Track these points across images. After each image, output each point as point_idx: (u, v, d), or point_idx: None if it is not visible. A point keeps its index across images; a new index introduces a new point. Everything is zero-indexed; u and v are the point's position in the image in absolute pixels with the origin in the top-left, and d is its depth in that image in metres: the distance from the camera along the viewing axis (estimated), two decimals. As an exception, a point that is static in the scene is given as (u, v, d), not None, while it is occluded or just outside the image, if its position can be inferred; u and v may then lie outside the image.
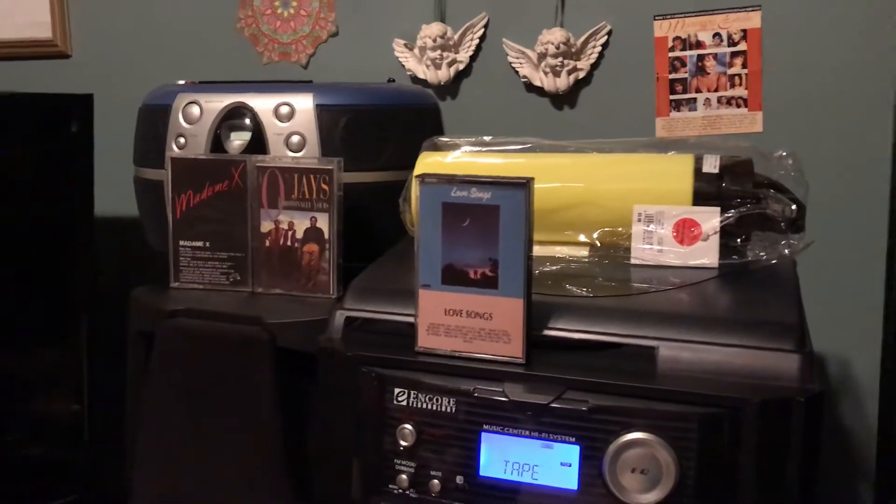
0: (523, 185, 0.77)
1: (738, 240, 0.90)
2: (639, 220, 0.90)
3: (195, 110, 1.12)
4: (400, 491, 0.81)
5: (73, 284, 1.36)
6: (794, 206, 0.90)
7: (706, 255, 0.89)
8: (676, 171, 0.93)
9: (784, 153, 0.94)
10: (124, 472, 1.13)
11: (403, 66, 1.42)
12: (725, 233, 0.89)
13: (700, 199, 0.90)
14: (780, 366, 0.74)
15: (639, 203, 0.91)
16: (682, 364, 0.76)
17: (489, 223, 0.78)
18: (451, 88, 1.41)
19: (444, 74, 1.38)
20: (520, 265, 0.78)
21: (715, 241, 0.88)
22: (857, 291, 1.28)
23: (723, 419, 0.72)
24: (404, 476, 0.81)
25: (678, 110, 1.30)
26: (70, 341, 1.37)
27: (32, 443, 1.41)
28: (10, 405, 1.39)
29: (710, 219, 0.89)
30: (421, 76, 1.40)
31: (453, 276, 0.81)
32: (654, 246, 0.90)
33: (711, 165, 0.92)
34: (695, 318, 0.79)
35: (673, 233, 0.89)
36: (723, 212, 0.89)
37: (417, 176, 0.81)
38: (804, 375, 0.73)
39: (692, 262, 0.89)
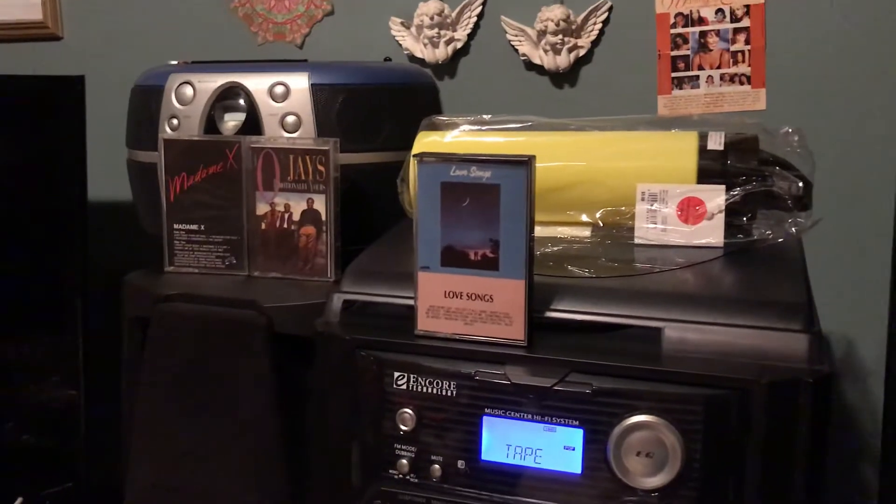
0: (524, 164, 0.75)
1: (744, 218, 0.88)
2: (642, 199, 0.88)
3: (188, 91, 1.10)
4: (400, 476, 0.80)
5: (67, 269, 1.34)
6: (800, 184, 0.88)
7: (711, 234, 0.87)
8: (680, 149, 0.91)
9: (790, 129, 0.92)
10: (120, 460, 1.12)
11: (400, 44, 1.39)
12: (731, 211, 0.87)
13: (705, 176, 0.89)
14: (788, 346, 0.73)
15: (642, 181, 0.89)
16: (688, 345, 0.74)
17: (489, 203, 0.77)
18: (448, 67, 1.38)
19: (441, 53, 1.35)
20: (521, 246, 0.76)
21: (720, 219, 0.87)
22: (864, 270, 1.26)
23: (730, 401, 0.71)
24: (405, 461, 0.79)
25: (680, 88, 1.28)
26: (65, 328, 1.35)
27: (27, 431, 1.40)
28: (6, 393, 1.38)
29: (716, 197, 0.87)
30: (418, 55, 1.37)
31: (453, 258, 0.79)
32: (658, 225, 0.88)
33: (716, 142, 0.90)
34: (700, 298, 0.78)
35: (677, 211, 0.88)
36: (728, 190, 0.87)
37: (415, 155, 0.79)
38: (812, 356, 0.72)
39: (697, 242, 0.87)
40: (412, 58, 1.39)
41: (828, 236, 1.22)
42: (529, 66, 1.34)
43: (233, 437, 0.97)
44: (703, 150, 0.90)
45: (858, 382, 1.28)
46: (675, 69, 1.28)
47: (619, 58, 1.31)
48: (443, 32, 1.35)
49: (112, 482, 1.22)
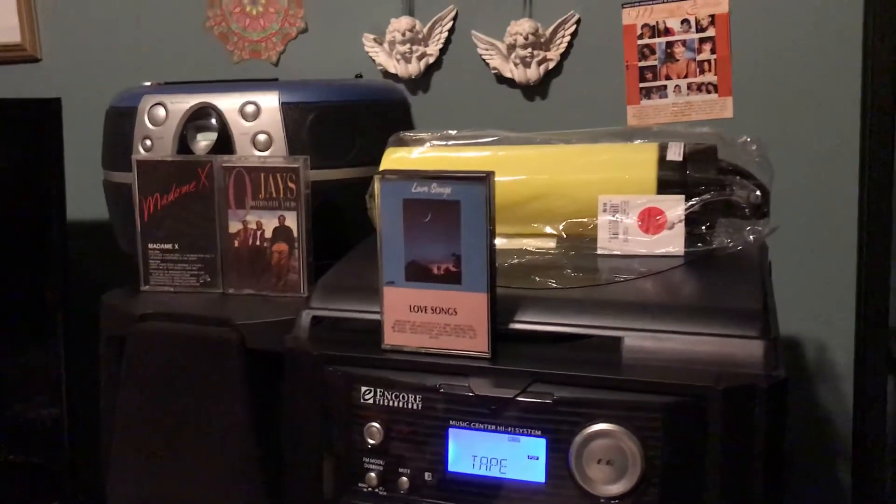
0: (483, 179, 0.77)
1: (704, 227, 0.90)
2: (604, 211, 0.90)
3: (161, 112, 1.11)
4: (370, 489, 0.81)
5: (48, 289, 1.35)
6: (758, 192, 0.90)
7: (672, 243, 0.89)
8: (641, 160, 0.93)
9: (748, 139, 0.94)
10: (103, 477, 1.13)
11: (374, 60, 1.41)
12: (691, 220, 0.89)
13: (665, 187, 0.90)
14: (745, 353, 0.74)
15: (604, 193, 0.90)
16: (647, 353, 0.76)
17: (451, 218, 0.78)
18: (421, 82, 1.40)
19: (414, 68, 1.37)
20: (482, 259, 0.78)
21: (680, 228, 0.88)
22: (831, 276, 1.28)
23: (687, 408, 0.72)
24: (373, 474, 0.81)
25: (649, 98, 1.30)
26: (47, 346, 1.36)
27: (11, 448, 1.40)
28: (-10, 413, 1.39)
29: (675, 207, 0.88)
30: (392, 70, 1.39)
31: (417, 273, 0.80)
32: (620, 235, 0.90)
33: (675, 153, 0.91)
34: (660, 306, 0.79)
35: (638, 222, 0.89)
36: (687, 199, 0.89)
37: (377, 173, 0.81)
38: (768, 362, 0.73)
39: (658, 251, 0.89)
40: (386, 73, 1.41)
41: (795, 242, 1.24)
42: (500, 79, 1.36)
43: (209, 451, 0.98)
44: (662, 161, 0.92)
45: (829, 385, 1.30)
46: (643, 79, 1.30)
47: (588, 69, 1.33)
48: (415, 48, 1.36)
49: (98, 499, 1.23)
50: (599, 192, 0.91)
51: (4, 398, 1.38)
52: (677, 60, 1.28)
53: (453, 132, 1.01)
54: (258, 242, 1.05)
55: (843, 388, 1.29)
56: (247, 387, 0.97)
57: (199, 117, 1.10)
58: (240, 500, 0.98)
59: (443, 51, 1.38)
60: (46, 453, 1.40)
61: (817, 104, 1.26)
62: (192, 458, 0.99)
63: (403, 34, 1.35)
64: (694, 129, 0.97)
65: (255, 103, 1.09)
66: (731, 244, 0.89)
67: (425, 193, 0.79)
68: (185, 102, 1.10)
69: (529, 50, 1.30)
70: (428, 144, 1.01)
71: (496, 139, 0.99)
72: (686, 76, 1.28)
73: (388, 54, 1.39)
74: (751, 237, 0.89)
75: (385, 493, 0.80)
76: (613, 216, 0.90)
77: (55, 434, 1.39)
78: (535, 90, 1.35)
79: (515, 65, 1.32)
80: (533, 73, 1.32)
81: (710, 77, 1.28)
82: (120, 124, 1.16)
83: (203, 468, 0.99)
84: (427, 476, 0.79)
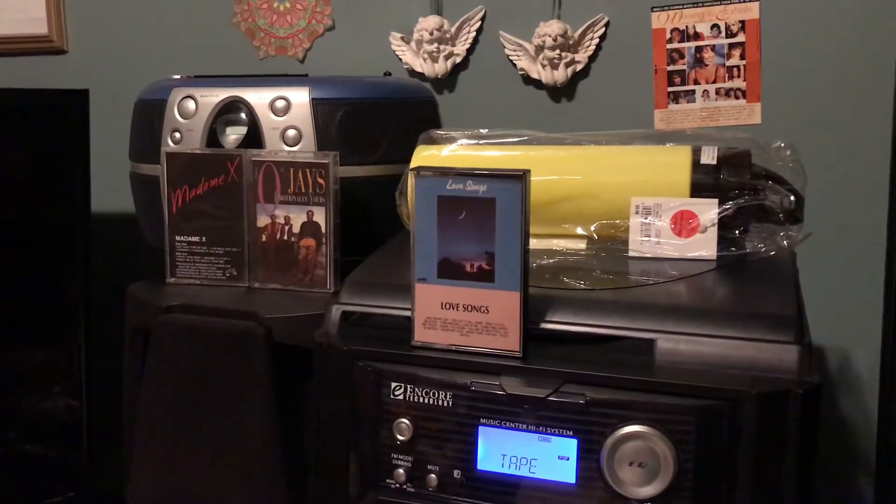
0: (520, 178, 0.76)
1: (737, 231, 0.89)
2: (636, 213, 0.90)
3: (191, 105, 1.11)
4: (397, 486, 0.81)
5: (70, 280, 1.35)
6: (792, 198, 0.89)
7: (704, 247, 0.88)
8: (674, 163, 0.92)
9: (782, 144, 0.93)
10: (121, 470, 1.13)
11: (400, 59, 1.41)
12: (723, 224, 0.89)
13: (698, 190, 0.90)
14: (779, 358, 0.74)
15: (636, 195, 0.90)
16: (681, 357, 0.75)
17: (485, 216, 0.78)
18: (448, 82, 1.40)
19: (440, 68, 1.37)
20: (516, 258, 0.77)
21: (713, 232, 0.88)
22: (857, 283, 1.27)
23: (721, 412, 0.72)
24: (401, 470, 0.80)
25: (676, 102, 1.29)
26: (67, 338, 1.37)
27: (30, 440, 1.41)
28: (8, 402, 1.39)
29: (708, 210, 0.88)
30: (418, 69, 1.39)
31: (449, 270, 0.80)
32: (651, 238, 0.89)
33: (709, 157, 0.91)
34: (693, 310, 0.79)
35: (671, 225, 0.89)
36: (721, 203, 0.88)
37: (412, 169, 0.81)
38: (802, 367, 0.73)
39: (690, 254, 0.89)
40: (412, 72, 1.41)
41: (821, 249, 1.23)
42: (527, 80, 1.36)
43: (233, 447, 0.98)
44: (696, 165, 0.91)
45: (853, 394, 1.29)
46: (671, 84, 1.29)
47: (616, 72, 1.32)
48: (442, 47, 1.36)
49: (114, 492, 1.23)
50: (632, 193, 0.90)
51: (24, 389, 1.39)
52: (706, 65, 1.28)
53: (484, 131, 1.01)
54: (286, 237, 1.05)
55: (867, 397, 1.28)
56: (272, 381, 0.97)
57: (228, 111, 1.10)
58: (262, 494, 0.98)
59: (470, 51, 1.38)
60: (64, 445, 1.41)
61: (847, 112, 1.26)
62: (214, 452, 0.99)
63: (431, 33, 1.35)
64: (727, 134, 0.97)
65: (285, 98, 1.09)
66: (763, 249, 0.88)
67: (460, 191, 0.79)
68: (215, 96, 1.11)
69: (557, 51, 1.30)
70: (458, 143, 1.01)
71: (527, 139, 0.99)
72: (714, 81, 1.28)
73: (415, 53, 1.39)
74: (784, 242, 0.88)
75: (413, 490, 0.80)
76: (646, 218, 0.90)
77: (73, 426, 1.39)
78: (562, 92, 1.35)
79: (543, 66, 1.32)
80: (560, 75, 1.32)
81: (738, 83, 1.27)
82: (149, 116, 1.16)
83: (226, 462, 0.99)
84: (456, 474, 0.79)
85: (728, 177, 0.90)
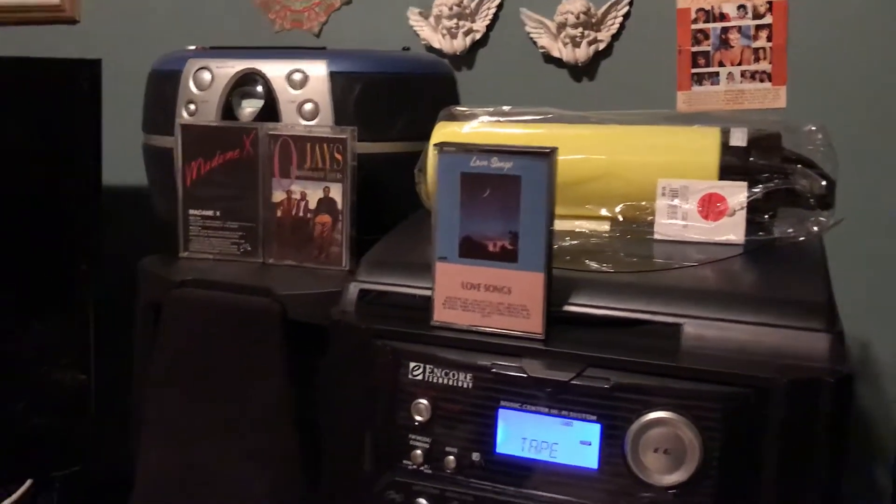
0: (546, 155, 0.74)
1: (766, 216, 0.87)
2: (663, 195, 0.88)
3: (206, 76, 1.09)
4: (414, 466, 0.79)
5: (79, 253, 1.34)
6: (823, 182, 0.87)
7: (732, 230, 0.86)
8: (703, 145, 0.90)
9: (813, 127, 0.91)
10: (127, 445, 1.12)
11: (418, 35, 1.38)
12: (752, 208, 0.86)
13: (727, 173, 0.88)
14: (809, 346, 0.72)
15: (663, 176, 0.88)
16: (708, 342, 0.73)
17: (510, 194, 0.76)
18: (466, 59, 1.37)
19: (459, 44, 1.35)
20: (541, 238, 0.76)
21: (741, 216, 0.86)
22: (881, 271, 1.25)
23: (749, 399, 0.70)
24: (419, 451, 0.79)
25: (700, 84, 1.27)
26: (76, 311, 1.35)
27: (37, 413, 1.40)
28: (15, 375, 1.38)
29: (737, 194, 0.86)
30: (436, 46, 1.37)
31: (471, 249, 0.78)
32: (678, 221, 0.87)
33: (739, 139, 0.89)
34: (721, 295, 0.77)
35: (698, 207, 0.87)
36: (750, 187, 0.86)
37: (436, 145, 0.78)
38: (834, 356, 0.71)
39: (717, 238, 0.86)
40: (429, 48, 1.38)
41: (844, 236, 1.21)
42: (548, 58, 1.33)
43: (244, 424, 0.97)
44: (725, 147, 0.89)
45: (873, 384, 1.27)
46: (695, 65, 1.27)
47: (639, 52, 1.30)
48: (461, 23, 1.34)
49: (120, 466, 1.22)
50: (658, 175, 0.88)
51: (32, 362, 1.38)
52: (732, 47, 1.25)
53: (506, 108, 0.98)
54: (301, 213, 1.04)
55: (886, 387, 1.26)
56: (286, 358, 0.95)
57: (244, 83, 1.08)
58: (274, 474, 0.96)
59: (490, 27, 1.35)
60: (71, 418, 1.40)
61: (874, 97, 1.23)
62: (226, 428, 0.98)
63: (451, 9, 1.32)
64: (756, 116, 0.94)
65: (302, 71, 1.06)
66: (792, 234, 0.86)
67: (485, 167, 0.77)
68: (231, 67, 1.08)
69: (580, 30, 1.27)
70: (480, 119, 0.98)
71: (551, 116, 0.97)
72: (740, 63, 1.25)
73: (434, 29, 1.36)
74: (814, 228, 0.86)
75: (430, 472, 0.79)
76: (672, 200, 0.87)
77: (81, 399, 1.38)
78: (583, 71, 1.32)
79: (564, 44, 1.29)
80: (582, 54, 1.29)
81: (764, 65, 1.24)
82: (163, 87, 1.14)
83: (237, 440, 0.98)
84: (474, 456, 0.77)
85: (758, 160, 0.87)
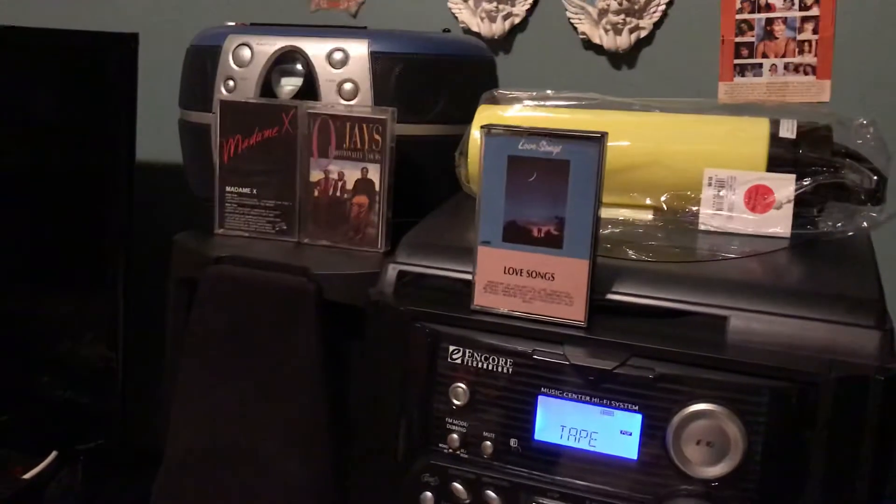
0: (597, 140, 0.73)
1: (814, 210, 0.86)
2: (709, 185, 0.86)
3: (246, 53, 1.09)
4: (450, 451, 0.79)
5: (111, 228, 1.34)
6: (874, 177, 0.85)
7: (779, 223, 0.85)
8: (751, 135, 0.88)
9: (864, 121, 0.89)
10: (152, 421, 1.12)
11: (456, 17, 1.37)
12: (800, 202, 0.85)
13: (775, 165, 0.86)
14: (859, 342, 0.70)
15: (710, 166, 0.86)
16: (754, 335, 0.72)
17: (557, 179, 0.75)
18: (504, 43, 1.36)
19: (498, 28, 1.33)
20: (587, 225, 0.74)
21: (789, 209, 0.84)
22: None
23: (796, 394, 0.69)
24: (455, 436, 0.78)
25: (742, 75, 1.25)
26: (106, 286, 1.36)
27: (63, 386, 1.41)
28: (44, 348, 1.39)
29: (785, 186, 0.84)
30: (475, 29, 1.35)
31: (515, 234, 0.77)
32: (723, 212, 0.86)
33: (788, 130, 0.87)
34: (769, 288, 0.76)
35: (745, 199, 0.85)
36: (798, 180, 0.85)
37: (483, 127, 0.77)
38: (884, 353, 0.70)
39: (763, 231, 0.85)
40: (467, 31, 1.37)
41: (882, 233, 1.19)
42: (588, 45, 1.32)
43: (277, 403, 0.97)
44: (774, 138, 0.88)
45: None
46: (738, 56, 1.25)
47: (681, 41, 1.28)
48: (501, 7, 1.32)
49: (144, 441, 1.23)
50: (705, 164, 0.87)
51: (60, 336, 1.38)
52: (776, 38, 1.23)
53: (550, 92, 0.97)
54: (338, 193, 1.03)
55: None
56: (321, 338, 0.95)
57: (284, 61, 1.07)
58: (306, 454, 0.96)
59: (530, 11, 1.34)
60: (97, 393, 1.40)
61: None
62: (257, 407, 0.98)
63: (491, -8, 1.31)
64: (805, 108, 0.93)
65: (343, 50, 1.05)
66: (840, 229, 0.85)
67: (533, 151, 0.76)
68: (271, 45, 1.07)
69: (622, 16, 1.25)
70: (523, 104, 0.97)
71: (596, 102, 0.95)
72: (784, 55, 1.23)
73: (473, 12, 1.35)
74: (864, 223, 0.84)
75: (467, 456, 0.78)
76: (718, 191, 0.86)
77: (108, 374, 1.39)
78: (624, 59, 1.31)
79: (606, 31, 1.28)
80: (623, 41, 1.27)
81: (809, 58, 1.22)
82: (201, 63, 1.13)
83: (269, 419, 0.97)
84: (512, 442, 0.77)
85: (807, 152, 0.86)
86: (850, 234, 0.85)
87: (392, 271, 0.85)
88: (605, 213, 0.90)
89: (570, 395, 0.75)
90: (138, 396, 1.40)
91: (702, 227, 0.87)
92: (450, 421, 0.79)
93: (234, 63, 1.09)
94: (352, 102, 1.05)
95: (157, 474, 1.05)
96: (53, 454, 1.38)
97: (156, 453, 1.06)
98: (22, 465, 1.34)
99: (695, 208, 0.87)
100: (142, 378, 1.39)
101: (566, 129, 0.75)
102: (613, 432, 0.74)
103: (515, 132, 0.76)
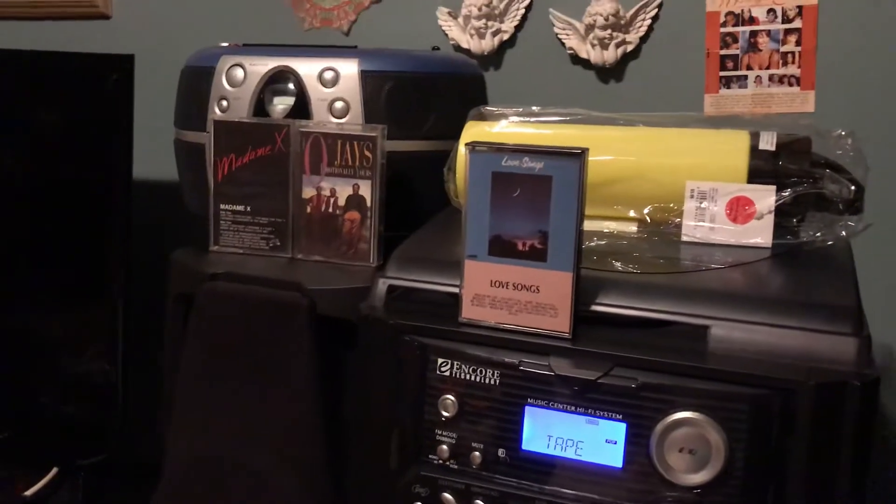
0: (578, 156, 0.75)
1: (794, 220, 0.88)
2: (691, 197, 0.88)
3: (239, 73, 1.11)
4: (440, 461, 0.80)
5: (110, 245, 1.36)
6: (852, 187, 0.87)
7: (760, 234, 0.86)
8: (732, 148, 0.90)
9: (843, 132, 0.91)
10: (153, 435, 1.13)
11: (446, 35, 1.39)
12: (780, 212, 0.87)
13: (755, 176, 0.88)
14: (837, 349, 0.72)
15: (692, 179, 0.88)
16: (735, 344, 0.74)
17: (540, 194, 0.77)
18: (494, 59, 1.38)
19: (487, 44, 1.36)
20: (570, 238, 0.76)
21: (769, 220, 0.86)
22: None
23: (776, 401, 0.70)
24: (445, 447, 0.80)
25: (728, 87, 1.27)
26: (105, 302, 1.37)
27: (64, 401, 1.42)
28: (44, 364, 1.40)
29: (766, 197, 0.86)
30: (464, 46, 1.38)
31: (501, 248, 0.79)
32: (706, 223, 0.88)
33: (768, 142, 0.89)
34: (748, 297, 0.77)
35: (726, 210, 0.87)
36: (778, 190, 0.86)
37: (467, 144, 0.79)
38: (861, 360, 0.71)
39: (745, 241, 0.87)
40: (458, 48, 1.39)
41: (866, 241, 1.21)
42: (576, 59, 1.34)
43: (272, 416, 0.98)
44: (754, 150, 0.89)
45: (892, 391, 1.27)
46: (723, 68, 1.27)
47: (667, 55, 1.30)
48: (490, 24, 1.35)
49: (145, 455, 1.24)
50: (687, 177, 0.89)
51: (60, 351, 1.40)
52: (760, 51, 1.25)
53: (536, 108, 0.99)
54: (330, 209, 1.05)
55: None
56: (315, 352, 0.97)
57: (276, 81, 1.10)
58: (301, 466, 0.98)
59: (518, 28, 1.36)
60: (97, 408, 1.42)
61: (904, 103, 1.22)
62: (253, 421, 1.00)
63: (480, 9, 1.33)
64: (785, 120, 0.95)
65: (334, 70, 1.08)
66: (820, 238, 0.86)
67: (516, 167, 0.78)
68: (263, 65, 1.10)
69: (609, 31, 1.28)
70: (509, 120, 0.99)
71: (580, 118, 0.97)
72: (768, 67, 1.25)
73: (462, 29, 1.37)
74: (842, 233, 0.86)
75: (456, 467, 0.80)
76: (701, 203, 0.88)
77: (108, 389, 1.40)
78: (611, 73, 1.33)
79: (593, 46, 1.30)
80: (610, 55, 1.29)
81: (792, 69, 1.24)
82: (196, 83, 1.16)
83: (265, 432, 0.99)
84: (500, 453, 0.78)
85: (787, 164, 0.88)
86: (830, 243, 0.87)
87: (382, 286, 0.87)
88: (591, 225, 0.92)
89: (556, 405, 0.77)
90: (140, 411, 1.41)
91: (685, 239, 0.89)
92: (439, 432, 0.80)
93: (228, 83, 1.11)
94: (343, 120, 1.07)
95: (156, 487, 1.06)
96: (54, 470, 1.40)
97: (156, 467, 1.08)
98: (23, 481, 1.36)
99: (678, 220, 0.89)
100: (141, 393, 1.41)
101: (548, 146, 0.77)
102: (599, 441, 0.75)
103: (499, 149, 0.78)
